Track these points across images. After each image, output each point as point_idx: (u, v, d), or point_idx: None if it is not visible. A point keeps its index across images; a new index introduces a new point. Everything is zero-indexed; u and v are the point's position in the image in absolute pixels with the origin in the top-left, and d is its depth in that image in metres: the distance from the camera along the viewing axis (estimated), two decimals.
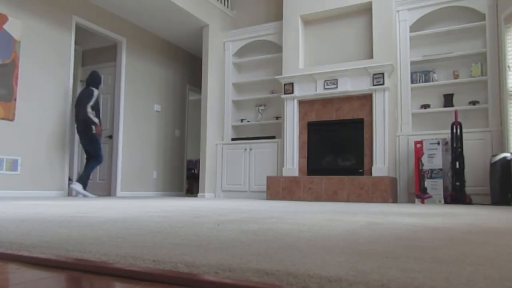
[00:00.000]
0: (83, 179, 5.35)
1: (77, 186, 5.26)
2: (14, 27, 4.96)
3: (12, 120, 4.91)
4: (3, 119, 4.82)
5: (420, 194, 4.98)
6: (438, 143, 4.96)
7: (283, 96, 6.02)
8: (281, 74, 6.40)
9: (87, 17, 5.96)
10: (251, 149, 6.41)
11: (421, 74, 5.61)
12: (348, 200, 5.22)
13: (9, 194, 4.84)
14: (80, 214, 1.98)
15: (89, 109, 5.40)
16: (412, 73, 5.64)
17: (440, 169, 4.91)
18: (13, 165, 4.90)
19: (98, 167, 5.65)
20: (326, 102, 5.83)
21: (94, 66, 6.94)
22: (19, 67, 5.03)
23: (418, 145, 5.06)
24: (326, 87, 5.71)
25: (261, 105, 6.74)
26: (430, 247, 1.00)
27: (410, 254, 0.88)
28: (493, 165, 4.58)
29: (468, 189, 5.05)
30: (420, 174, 5.00)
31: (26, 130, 5.09)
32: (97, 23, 6.11)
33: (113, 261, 0.77)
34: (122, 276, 0.71)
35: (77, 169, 6.83)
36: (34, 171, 5.14)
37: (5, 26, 4.86)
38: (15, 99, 4.94)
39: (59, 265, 0.79)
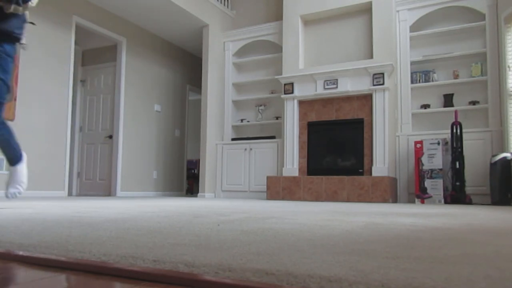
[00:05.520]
0: None
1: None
2: None
3: (12, 120, 4.91)
4: None
5: (420, 194, 4.98)
6: (438, 143, 4.96)
7: (283, 96, 6.02)
8: (281, 74, 6.40)
9: (87, 17, 5.96)
10: (251, 149, 6.41)
11: (421, 74, 5.60)
12: (348, 200, 5.22)
13: None
14: (80, 214, 1.98)
15: None
16: (412, 73, 5.64)
17: (440, 169, 4.91)
18: None
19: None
20: (326, 102, 5.83)
21: (94, 66, 6.93)
22: (19, 67, 5.02)
23: (418, 145, 5.06)
24: (326, 87, 5.71)
25: (261, 105, 6.74)
26: (430, 247, 1.00)
27: (410, 254, 0.88)
28: (493, 165, 4.58)
29: (468, 189, 5.05)
30: (420, 174, 5.00)
31: (26, 130, 5.09)
32: (97, 23, 6.11)
33: (113, 261, 0.77)
34: (122, 276, 0.71)
35: (77, 169, 6.83)
36: (34, 171, 5.14)
37: None
38: (15, 99, 4.94)
39: (59, 265, 0.78)
